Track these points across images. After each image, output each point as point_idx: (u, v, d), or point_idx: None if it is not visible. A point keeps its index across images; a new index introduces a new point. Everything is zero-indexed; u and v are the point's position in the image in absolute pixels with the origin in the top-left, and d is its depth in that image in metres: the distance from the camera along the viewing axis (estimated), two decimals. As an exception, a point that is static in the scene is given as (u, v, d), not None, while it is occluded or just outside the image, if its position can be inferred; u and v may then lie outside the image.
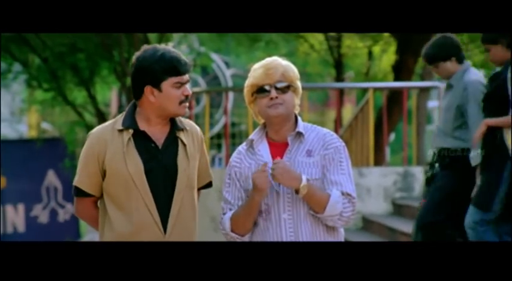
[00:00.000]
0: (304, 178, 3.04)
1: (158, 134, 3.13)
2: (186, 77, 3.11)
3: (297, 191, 3.04)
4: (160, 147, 3.12)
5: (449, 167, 5.07)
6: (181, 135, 3.16)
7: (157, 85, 3.08)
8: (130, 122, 3.12)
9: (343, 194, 3.07)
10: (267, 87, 3.09)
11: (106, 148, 3.09)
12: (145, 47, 3.15)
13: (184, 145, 3.15)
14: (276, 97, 3.08)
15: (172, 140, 3.15)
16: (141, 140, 3.11)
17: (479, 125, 4.79)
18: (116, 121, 3.15)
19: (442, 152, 5.10)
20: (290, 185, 3.04)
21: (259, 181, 3.03)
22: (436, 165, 5.16)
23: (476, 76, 5.00)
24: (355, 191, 3.11)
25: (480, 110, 4.86)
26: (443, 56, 5.02)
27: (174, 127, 3.16)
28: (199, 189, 3.24)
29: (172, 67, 3.07)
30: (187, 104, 3.12)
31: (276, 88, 3.09)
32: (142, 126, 3.12)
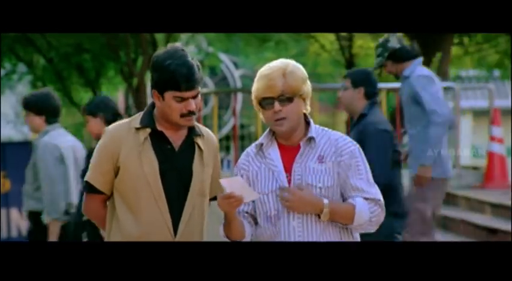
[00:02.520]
0: (325, 201, 2.99)
1: (175, 136, 3.12)
2: (190, 93, 3.04)
3: (319, 216, 3.01)
4: (176, 149, 3.11)
5: None
6: (199, 141, 3.15)
7: (160, 93, 3.08)
8: (148, 121, 3.11)
9: (367, 200, 3.06)
10: (270, 99, 3.05)
11: (121, 146, 3.08)
12: (169, 46, 3.11)
13: (201, 150, 3.13)
14: (280, 110, 3.05)
15: (189, 144, 3.13)
16: (158, 140, 3.10)
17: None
18: (133, 119, 3.14)
19: None
20: (310, 212, 3.01)
21: (224, 209, 2.99)
22: None
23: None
24: (378, 192, 3.10)
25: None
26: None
27: (192, 132, 3.15)
28: (210, 200, 3.22)
29: (173, 82, 3.02)
30: (191, 117, 3.07)
31: (280, 100, 3.04)
32: (159, 126, 3.12)
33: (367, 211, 3.03)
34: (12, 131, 15.84)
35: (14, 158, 13.13)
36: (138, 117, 3.14)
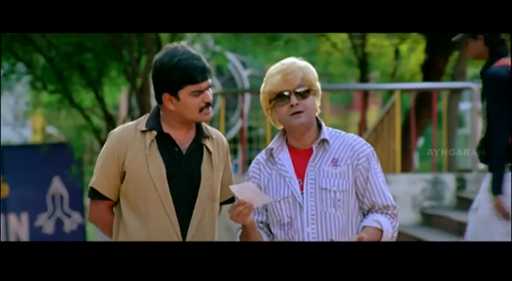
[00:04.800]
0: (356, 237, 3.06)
1: (183, 138, 3.14)
2: (206, 83, 3.09)
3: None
4: (184, 152, 3.13)
5: None
6: (207, 143, 3.16)
7: (174, 94, 3.09)
8: (154, 124, 3.14)
9: (388, 208, 3.10)
10: (286, 94, 3.08)
11: (127, 149, 3.11)
12: (166, 47, 3.15)
13: (210, 153, 3.15)
14: (297, 104, 3.07)
15: (197, 146, 3.15)
16: (165, 143, 3.13)
17: None
18: (139, 122, 3.17)
19: None
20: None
21: (235, 219, 3.02)
22: None
23: None
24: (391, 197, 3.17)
25: None
26: None
27: (199, 134, 3.16)
28: (221, 204, 3.24)
29: (189, 76, 3.06)
30: (209, 110, 3.11)
31: (296, 94, 3.08)
32: (166, 128, 3.14)
33: (391, 230, 3.12)
34: (11, 134, 15.87)
35: (12, 162, 13.21)
36: (144, 119, 3.16)
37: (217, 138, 3.21)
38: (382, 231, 3.08)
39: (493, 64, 4.84)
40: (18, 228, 13.34)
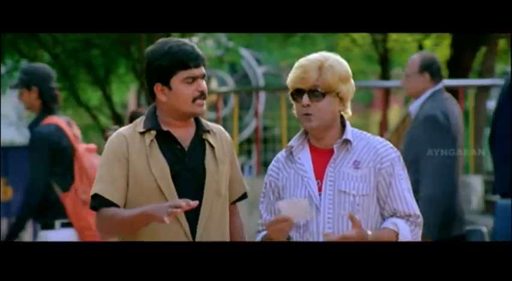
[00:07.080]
0: (368, 233, 3.01)
1: (183, 134, 3.14)
2: (199, 70, 3.09)
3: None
4: (186, 149, 3.13)
5: None
6: (208, 137, 3.17)
7: (166, 82, 3.09)
8: (152, 123, 3.13)
9: (410, 217, 3.08)
10: (300, 92, 3.07)
11: (128, 149, 3.10)
12: (158, 40, 3.16)
13: (212, 147, 3.15)
14: (308, 105, 3.05)
15: (199, 141, 3.15)
16: (166, 141, 3.12)
17: None
18: (136, 124, 3.17)
19: None
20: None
21: (272, 235, 3.00)
22: None
23: None
24: (416, 205, 3.12)
25: None
26: None
27: (199, 128, 3.16)
28: (234, 202, 3.23)
29: (181, 60, 3.06)
30: (203, 101, 3.11)
31: (310, 94, 3.06)
32: (165, 127, 3.14)
33: (409, 235, 3.07)
34: (15, 134, 15.94)
35: (16, 163, 13.23)
36: (141, 121, 3.16)
37: (219, 132, 3.22)
38: (397, 234, 3.04)
39: (42, 120, 4.85)
40: (22, 233, 13.38)
